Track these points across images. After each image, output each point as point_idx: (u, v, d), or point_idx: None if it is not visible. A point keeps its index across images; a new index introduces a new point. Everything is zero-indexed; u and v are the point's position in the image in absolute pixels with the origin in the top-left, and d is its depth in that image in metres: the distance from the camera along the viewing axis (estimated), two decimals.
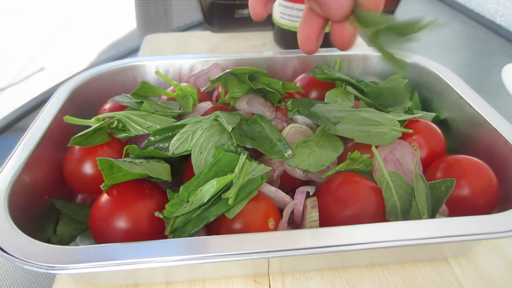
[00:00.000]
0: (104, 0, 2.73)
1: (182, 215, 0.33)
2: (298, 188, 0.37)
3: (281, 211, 0.36)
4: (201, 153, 0.36)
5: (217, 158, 0.35)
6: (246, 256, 0.28)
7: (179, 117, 0.44)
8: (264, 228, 0.33)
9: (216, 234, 0.30)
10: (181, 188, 0.33)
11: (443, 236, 0.29)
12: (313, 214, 0.35)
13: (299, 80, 0.53)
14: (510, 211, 0.31)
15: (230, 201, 0.32)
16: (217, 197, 0.33)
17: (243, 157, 0.34)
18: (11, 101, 1.62)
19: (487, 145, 0.40)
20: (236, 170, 0.33)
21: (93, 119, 0.39)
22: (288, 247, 0.28)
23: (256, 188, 0.34)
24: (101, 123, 0.38)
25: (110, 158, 0.33)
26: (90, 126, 0.38)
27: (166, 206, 0.32)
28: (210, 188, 0.32)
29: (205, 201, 0.32)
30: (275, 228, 0.34)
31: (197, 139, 0.37)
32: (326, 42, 0.73)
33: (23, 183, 0.35)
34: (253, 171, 0.34)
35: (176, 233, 0.33)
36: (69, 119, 0.38)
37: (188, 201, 0.33)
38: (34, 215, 0.35)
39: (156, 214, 0.33)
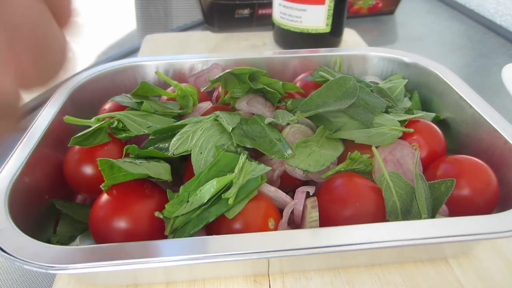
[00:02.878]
0: (104, 0, 2.73)
1: (182, 215, 0.33)
2: (298, 188, 0.37)
3: (281, 211, 0.36)
4: (201, 153, 0.36)
5: (217, 158, 0.35)
6: (246, 256, 0.28)
7: (179, 117, 0.44)
8: (264, 228, 0.33)
9: (216, 234, 0.30)
10: (181, 188, 0.33)
11: (443, 236, 0.29)
12: (313, 214, 0.35)
13: (299, 80, 0.53)
14: (510, 211, 0.31)
15: (230, 201, 0.32)
16: (217, 197, 0.33)
17: (243, 157, 0.34)
18: None
19: (487, 145, 0.40)
20: (236, 170, 0.33)
21: (93, 119, 0.39)
22: (288, 247, 0.28)
23: (256, 188, 0.34)
24: (101, 123, 0.38)
25: (110, 159, 0.33)
26: (90, 126, 0.38)
27: (166, 206, 0.32)
28: (210, 188, 0.32)
29: (205, 201, 0.32)
30: (275, 228, 0.34)
31: (197, 139, 0.37)
32: (326, 41, 0.73)
33: (23, 183, 0.35)
34: (253, 171, 0.34)
35: (176, 233, 0.33)
36: (69, 119, 0.38)
37: (188, 201, 0.33)
38: (34, 215, 0.35)
39: (156, 214, 0.33)
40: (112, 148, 0.39)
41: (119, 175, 0.34)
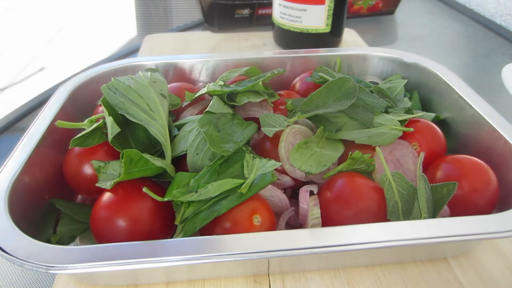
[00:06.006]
0: (104, 0, 2.73)
1: (191, 205, 0.32)
2: (302, 188, 0.37)
3: (277, 210, 0.36)
4: (197, 154, 0.36)
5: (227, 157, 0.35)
6: (246, 256, 0.28)
7: (176, 114, 0.44)
8: (249, 226, 0.32)
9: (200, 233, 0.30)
10: (192, 179, 0.34)
11: (443, 236, 0.29)
12: (315, 212, 0.35)
13: (298, 81, 0.53)
14: (510, 211, 0.31)
15: (244, 195, 0.32)
16: (227, 191, 0.33)
17: (249, 155, 0.35)
18: (11, 101, 1.62)
19: (487, 145, 0.40)
20: (245, 170, 0.34)
21: (85, 121, 0.39)
22: (288, 247, 0.28)
23: (267, 185, 0.34)
24: (97, 124, 0.38)
25: (134, 149, 0.33)
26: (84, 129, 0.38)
27: (174, 192, 0.32)
28: (221, 186, 0.33)
29: (214, 196, 0.32)
30: (262, 225, 0.33)
31: (193, 140, 0.37)
32: (326, 41, 0.73)
33: (23, 183, 0.35)
34: (263, 167, 0.34)
35: (186, 223, 0.33)
36: (61, 123, 0.38)
37: (196, 192, 0.33)
38: (34, 215, 0.35)
39: (159, 199, 0.33)
40: (112, 148, 0.39)
41: (134, 170, 0.34)
